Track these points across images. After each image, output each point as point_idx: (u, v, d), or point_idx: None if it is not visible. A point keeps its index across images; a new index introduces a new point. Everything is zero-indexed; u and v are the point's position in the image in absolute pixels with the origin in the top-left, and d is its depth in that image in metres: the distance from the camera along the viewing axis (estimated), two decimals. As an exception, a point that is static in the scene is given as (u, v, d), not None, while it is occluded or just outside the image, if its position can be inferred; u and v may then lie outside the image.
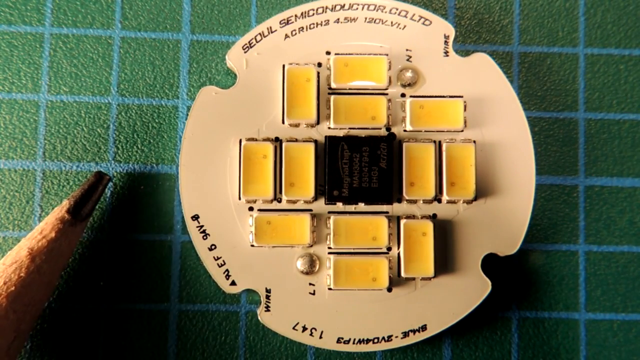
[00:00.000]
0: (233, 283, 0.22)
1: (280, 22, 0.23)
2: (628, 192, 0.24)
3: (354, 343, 0.22)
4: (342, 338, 0.22)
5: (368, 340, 0.22)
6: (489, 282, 0.22)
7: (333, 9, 0.23)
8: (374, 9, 0.23)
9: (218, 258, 0.22)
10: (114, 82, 0.24)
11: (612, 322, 0.24)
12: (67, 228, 0.21)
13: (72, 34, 0.24)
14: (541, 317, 0.24)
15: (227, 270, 0.22)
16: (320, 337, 0.22)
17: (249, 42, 0.23)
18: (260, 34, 0.23)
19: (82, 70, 0.24)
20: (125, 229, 0.23)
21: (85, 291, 0.23)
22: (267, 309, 0.22)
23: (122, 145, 0.23)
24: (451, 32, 0.23)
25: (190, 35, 0.24)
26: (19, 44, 0.24)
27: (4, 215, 0.23)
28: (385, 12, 0.23)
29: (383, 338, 0.22)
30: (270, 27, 0.23)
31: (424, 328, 0.22)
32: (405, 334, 0.22)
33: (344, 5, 0.23)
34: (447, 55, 0.23)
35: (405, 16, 0.23)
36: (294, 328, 0.22)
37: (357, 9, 0.23)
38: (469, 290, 0.22)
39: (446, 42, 0.23)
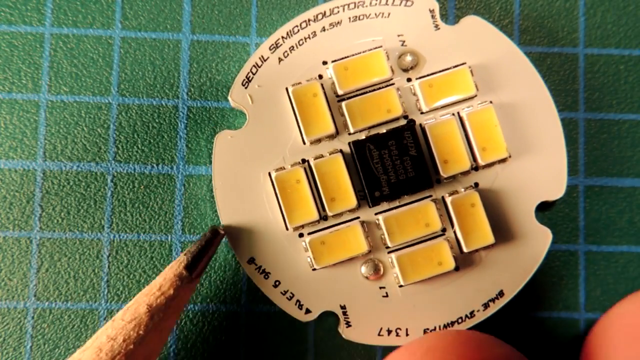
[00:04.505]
0: (308, 311, 0.22)
1: (270, 48, 0.23)
2: (628, 192, 0.24)
3: (440, 329, 0.22)
4: (428, 328, 0.22)
5: (453, 322, 0.22)
6: (549, 230, 0.23)
7: (315, 19, 0.23)
8: (354, 7, 0.23)
9: (285, 292, 0.22)
10: (114, 82, 0.24)
11: (612, 322, 0.24)
12: (184, 285, 0.21)
13: (73, 34, 0.24)
14: (541, 317, 0.24)
15: (297, 300, 0.22)
16: (407, 335, 0.22)
17: (246, 76, 0.23)
18: (254, 65, 0.23)
19: (82, 70, 0.24)
20: (125, 229, 0.23)
21: (85, 291, 0.23)
22: (348, 324, 0.22)
23: (122, 145, 0.23)
24: (435, 5, 0.23)
25: (190, 35, 0.24)
26: (19, 44, 0.24)
27: (4, 215, 0.23)
28: (366, 6, 0.23)
29: (466, 316, 0.22)
30: (262, 56, 0.23)
31: (501, 294, 0.22)
32: (486, 305, 0.22)
33: (325, 12, 0.23)
34: (438, 28, 0.23)
35: (387, 3, 0.23)
36: (379, 334, 0.22)
37: (338, 12, 0.23)
38: (531, 244, 0.23)
39: (433, 17, 0.23)
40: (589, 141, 0.24)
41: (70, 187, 0.23)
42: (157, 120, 0.24)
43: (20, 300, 0.23)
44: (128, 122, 0.23)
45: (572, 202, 0.24)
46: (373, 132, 0.22)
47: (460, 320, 0.22)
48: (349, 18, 0.23)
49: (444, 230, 0.22)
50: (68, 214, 0.23)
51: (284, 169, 0.22)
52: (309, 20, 0.23)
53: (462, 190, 0.22)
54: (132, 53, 0.24)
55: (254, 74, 0.23)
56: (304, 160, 0.22)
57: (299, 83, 0.22)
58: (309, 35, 0.23)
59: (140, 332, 0.20)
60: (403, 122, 0.22)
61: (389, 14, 0.23)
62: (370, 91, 0.22)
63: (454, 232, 0.22)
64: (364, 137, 0.22)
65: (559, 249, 0.24)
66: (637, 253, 0.24)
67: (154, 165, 0.23)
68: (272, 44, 0.23)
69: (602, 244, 0.24)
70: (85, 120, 0.23)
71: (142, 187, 0.23)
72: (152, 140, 0.23)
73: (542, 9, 0.25)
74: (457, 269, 0.22)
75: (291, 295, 0.22)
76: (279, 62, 0.23)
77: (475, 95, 0.23)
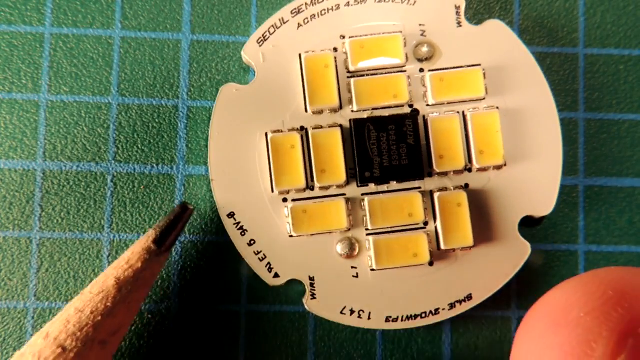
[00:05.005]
0: (276, 275, 0.22)
1: (291, 12, 0.23)
2: (627, 192, 0.24)
3: (402, 320, 0.22)
4: (390, 317, 0.22)
5: (416, 316, 0.22)
6: (528, 245, 0.23)
7: None
8: None
9: (258, 252, 0.22)
10: (114, 82, 0.24)
11: (611, 322, 0.24)
12: (152, 258, 0.21)
13: (72, 34, 0.24)
14: (541, 317, 0.24)
15: (268, 263, 0.22)
16: (369, 319, 0.22)
17: (262, 35, 0.23)
18: (273, 26, 0.23)
19: (82, 70, 0.24)
20: (125, 229, 0.23)
21: (86, 291, 0.23)
22: (313, 296, 0.22)
23: (122, 145, 0.23)
24: (461, 2, 0.23)
25: (190, 35, 0.24)
26: (19, 44, 0.24)
27: (4, 215, 0.23)
28: None
29: (430, 312, 0.22)
30: (283, 18, 0.23)
31: (469, 297, 0.22)
32: (452, 305, 0.22)
33: (353, -12, 0.23)
34: (460, 26, 0.23)
35: None
36: (341, 312, 0.22)
37: None
38: (509, 254, 0.23)
39: (457, 13, 0.23)
40: (588, 141, 0.24)
41: (70, 187, 0.23)
42: (157, 120, 0.24)
43: (20, 300, 0.23)
44: (128, 122, 0.23)
45: (572, 202, 0.24)
46: (376, 114, 0.22)
47: (424, 315, 0.22)
48: None
49: (425, 223, 0.22)
50: (68, 214, 0.23)
51: (282, 132, 0.22)
52: None
53: (452, 188, 0.22)
54: (132, 53, 0.24)
55: (270, 34, 0.23)
56: (302, 128, 0.22)
57: (313, 51, 0.23)
58: (332, 7, 0.23)
59: (108, 304, 0.20)
60: (407, 110, 0.23)
61: (414, 2, 0.23)
62: (381, 73, 0.22)
63: (436, 227, 0.22)
64: (366, 117, 0.22)
65: (559, 249, 0.24)
66: (637, 253, 0.24)
67: (154, 165, 0.23)
68: (295, 9, 0.23)
69: (602, 244, 0.24)
70: (85, 120, 0.23)
71: (142, 187, 0.23)
72: (152, 140, 0.23)
73: (542, 9, 0.25)
74: (431, 264, 0.22)
75: (263, 256, 0.22)
76: (298, 27, 0.23)
77: (484, 99, 0.23)
